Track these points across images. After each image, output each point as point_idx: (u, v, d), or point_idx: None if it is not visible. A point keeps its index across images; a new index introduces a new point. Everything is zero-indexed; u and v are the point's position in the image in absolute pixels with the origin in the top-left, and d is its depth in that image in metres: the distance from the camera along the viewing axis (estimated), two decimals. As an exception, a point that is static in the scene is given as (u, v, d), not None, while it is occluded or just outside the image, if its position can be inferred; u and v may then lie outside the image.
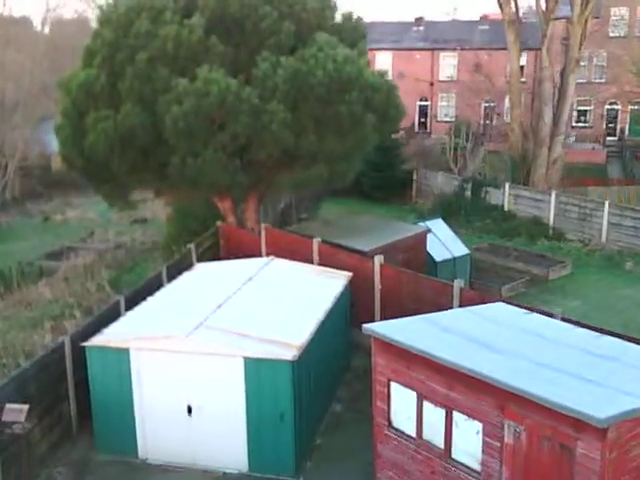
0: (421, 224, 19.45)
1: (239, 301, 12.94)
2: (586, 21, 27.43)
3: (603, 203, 24.99)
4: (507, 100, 48.89)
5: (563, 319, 11.14)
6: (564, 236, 25.70)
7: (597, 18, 36.93)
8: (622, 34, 43.25)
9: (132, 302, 14.62)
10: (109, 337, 11.84)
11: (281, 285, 14.14)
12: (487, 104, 49.37)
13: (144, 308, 13.32)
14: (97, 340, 11.73)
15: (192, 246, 18.66)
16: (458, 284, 13.73)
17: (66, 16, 58.81)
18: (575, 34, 27.39)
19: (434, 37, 51.20)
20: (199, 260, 18.77)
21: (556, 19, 34.72)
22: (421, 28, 52.37)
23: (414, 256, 17.54)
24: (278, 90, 16.07)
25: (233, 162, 16.50)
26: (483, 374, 8.39)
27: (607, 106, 45.10)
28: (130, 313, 13.12)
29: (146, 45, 16.49)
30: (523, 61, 48.67)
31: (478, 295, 13.62)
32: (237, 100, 15.76)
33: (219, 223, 20.24)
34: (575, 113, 44.06)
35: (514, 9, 29.64)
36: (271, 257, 15.58)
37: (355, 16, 19.08)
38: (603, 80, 43.76)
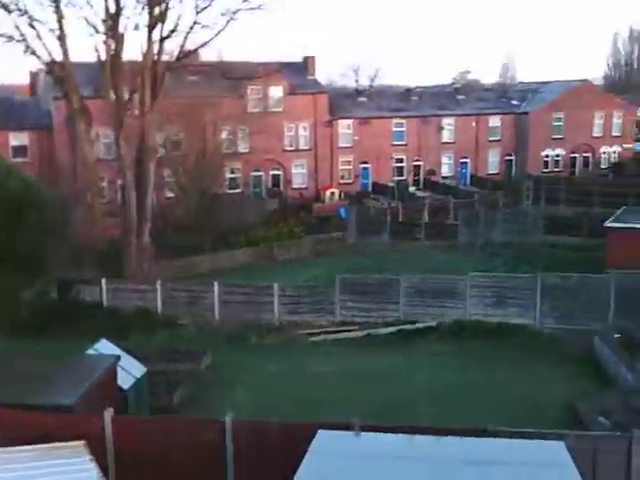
0: (91, 351, 17.16)
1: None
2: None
3: (212, 284, 25.91)
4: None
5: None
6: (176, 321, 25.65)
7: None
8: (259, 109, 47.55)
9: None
10: None
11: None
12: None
13: None
14: None
15: None
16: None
17: None
18: (149, 124, 28.42)
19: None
20: None
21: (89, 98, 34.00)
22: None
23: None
24: None
25: None
26: None
27: (253, 173, 49.10)
28: None
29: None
30: (25, 141, 43.05)
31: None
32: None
33: None
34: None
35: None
36: None
37: None
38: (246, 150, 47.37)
